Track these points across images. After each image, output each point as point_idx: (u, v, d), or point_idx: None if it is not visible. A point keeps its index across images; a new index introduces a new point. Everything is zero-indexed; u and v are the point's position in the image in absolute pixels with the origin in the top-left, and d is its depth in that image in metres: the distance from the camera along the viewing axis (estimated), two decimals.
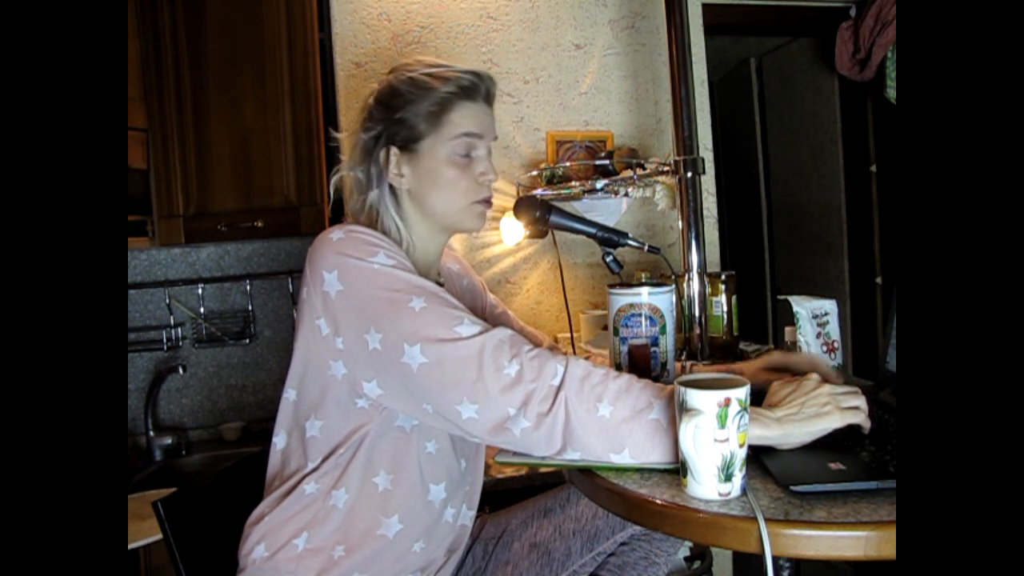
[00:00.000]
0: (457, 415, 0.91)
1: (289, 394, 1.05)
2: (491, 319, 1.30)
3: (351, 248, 0.96)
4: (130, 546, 1.60)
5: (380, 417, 1.00)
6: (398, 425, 1.01)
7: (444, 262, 1.23)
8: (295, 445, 1.05)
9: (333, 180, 1.13)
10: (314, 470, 1.02)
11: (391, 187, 1.07)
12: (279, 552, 1.01)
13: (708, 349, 1.60)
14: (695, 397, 0.80)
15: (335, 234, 0.99)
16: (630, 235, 1.29)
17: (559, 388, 0.88)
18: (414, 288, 0.94)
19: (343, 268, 0.95)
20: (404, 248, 1.06)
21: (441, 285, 1.03)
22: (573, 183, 1.91)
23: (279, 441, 1.07)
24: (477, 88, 1.06)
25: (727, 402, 0.79)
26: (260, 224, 1.98)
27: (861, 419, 0.90)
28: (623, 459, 0.88)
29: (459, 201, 1.07)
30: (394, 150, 1.06)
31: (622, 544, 1.18)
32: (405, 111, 1.04)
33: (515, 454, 1.01)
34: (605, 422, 0.88)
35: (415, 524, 1.04)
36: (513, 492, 1.54)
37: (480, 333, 0.92)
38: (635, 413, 0.88)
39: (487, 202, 1.10)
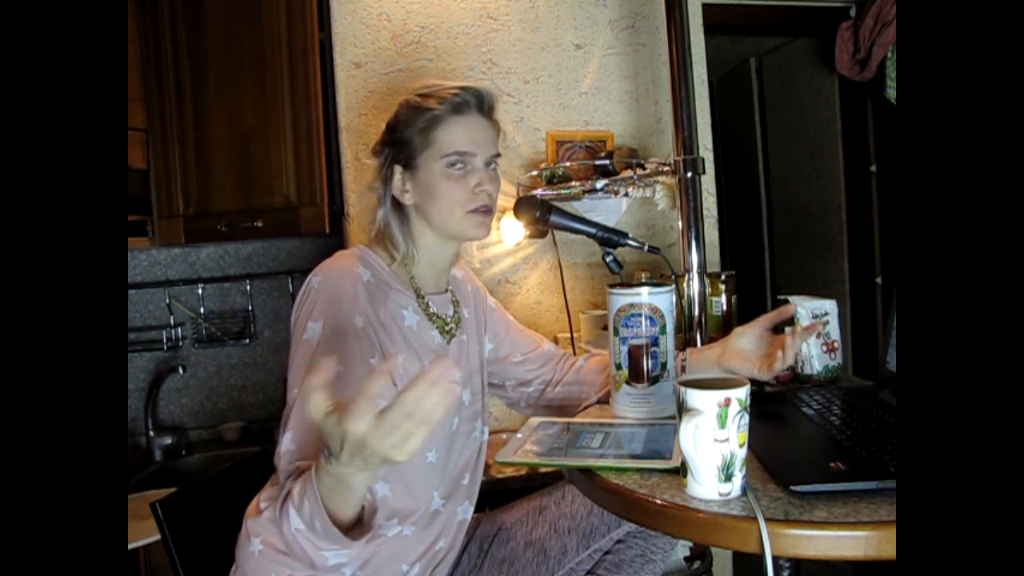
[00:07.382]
0: None
1: (293, 393, 1.05)
2: (489, 322, 1.32)
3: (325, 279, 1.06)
4: (130, 546, 1.60)
5: None
6: None
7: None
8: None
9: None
10: None
11: (399, 203, 1.14)
12: (275, 548, 1.01)
13: None
14: (695, 397, 0.80)
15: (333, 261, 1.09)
16: (630, 235, 1.29)
17: None
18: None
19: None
20: (408, 258, 1.13)
21: (449, 291, 1.19)
22: (573, 183, 1.90)
23: (285, 441, 1.07)
24: (467, 103, 1.11)
25: (727, 402, 0.79)
26: (260, 224, 1.97)
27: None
28: None
29: (456, 212, 1.11)
30: (399, 168, 1.13)
31: (618, 542, 1.18)
32: (403, 132, 1.12)
33: (515, 454, 1.02)
34: None
35: (407, 514, 1.08)
36: (513, 492, 1.54)
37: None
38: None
39: (486, 211, 1.13)
